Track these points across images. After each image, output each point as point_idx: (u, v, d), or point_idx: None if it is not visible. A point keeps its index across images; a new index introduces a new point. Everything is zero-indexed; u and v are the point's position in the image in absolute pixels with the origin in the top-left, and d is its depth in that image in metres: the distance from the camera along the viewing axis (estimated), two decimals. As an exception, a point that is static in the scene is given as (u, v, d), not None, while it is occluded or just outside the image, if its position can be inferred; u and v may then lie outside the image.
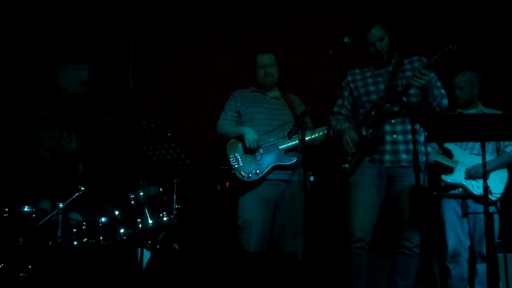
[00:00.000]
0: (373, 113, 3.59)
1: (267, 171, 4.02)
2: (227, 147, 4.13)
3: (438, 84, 3.58)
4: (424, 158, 3.57)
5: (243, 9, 5.50)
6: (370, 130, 3.56)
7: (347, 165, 3.60)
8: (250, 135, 4.06)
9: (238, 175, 4.02)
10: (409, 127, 3.50)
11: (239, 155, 4.08)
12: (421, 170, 3.42)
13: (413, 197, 3.47)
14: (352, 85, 3.77)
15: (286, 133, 4.07)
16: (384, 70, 3.69)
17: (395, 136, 3.55)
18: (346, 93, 3.81)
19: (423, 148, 3.56)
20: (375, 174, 3.58)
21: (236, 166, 4.04)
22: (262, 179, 4.02)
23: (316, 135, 4.06)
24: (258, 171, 4.02)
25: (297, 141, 3.71)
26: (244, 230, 4.02)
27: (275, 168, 4.05)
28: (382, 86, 3.63)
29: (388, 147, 3.56)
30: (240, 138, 4.10)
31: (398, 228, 3.58)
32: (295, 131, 3.60)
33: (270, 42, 5.18)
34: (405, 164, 3.53)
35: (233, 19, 5.53)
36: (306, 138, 3.53)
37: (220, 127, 4.26)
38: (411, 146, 3.44)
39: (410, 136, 3.47)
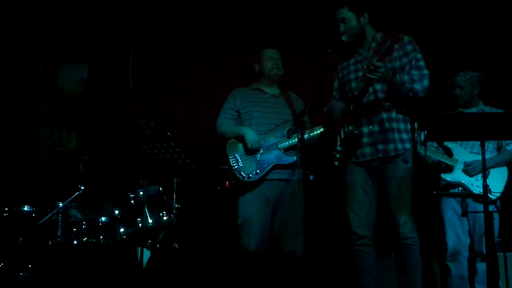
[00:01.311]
0: (351, 107, 3.51)
1: (267, 171, 4.02)
2: (226, 147, 4.12)
3: (420, 64, 3.45)
4: (407, 146, 3.43)
5: (243, 8, 5.50)
6: (350, 127, 3.49)
7: (336, 163, 3.56)
8: (251, 136, 4.05)
9: (239, 176, 4.02)
10: (384, 115, 3.44)
11: (239, 156, 4.08)
12: (406, 160, 3.40)
13: (400, 188, 3.41)
14: (340, 74, 3.67)
15: (286, 132, 4.06)
16: (364, 56, 3.55)
17: (371, 127, 3.47)
18: (335, 81, 3.72)
19: (404, 136, 3.44)
20: (363, 170, 3.53)
21: (236, 166, 4.04)
22: (262, 179, 4.02)
23: (314, 133, 4.05)
24: (258, 171, 4.02)
25: (296, 140, 3.72)
26: (243, 229, 4.02)
27: (275, 167, 4.04)
28: (361, 74, 3.50)
29: (366, 140, 3.49)
30: (240, 138, 4.10)
31: (391, 221, 3.49)
32: (294, 130, 3.59)
33: (270, 40, 5.18)
34: (381, 155, 3.45)
35: (234, 19, 5.53)
36: (305, 137, 3.53)
37: (219, 126, 4.25)
38: (388, 135, 3.43)
39: (386, 125, 3.44)
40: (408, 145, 3.44)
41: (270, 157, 4.05)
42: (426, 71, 3.44)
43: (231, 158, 4.07)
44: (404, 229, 3.40)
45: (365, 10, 3.52)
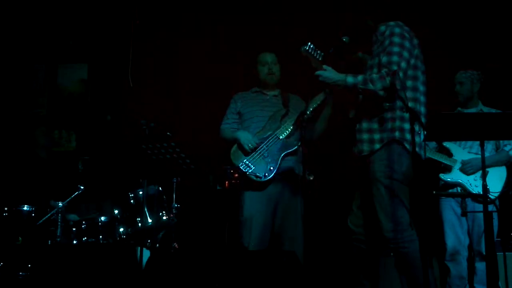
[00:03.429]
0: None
1: (280, 161, 4.02)
2: (231, 158, 4.10)
3: (392, 59, 3.18)
4: (376, 146, 3.26)
5: (244, 8, 5.50)
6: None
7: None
8: (244, 137, 4.07)
9: (255, 178, 4.00)
10: (358, 117, 3.36)
11: (247, 160, 4.06)
12: (371, 161, 3.25)
13: (375, 191, 3.27)
14: None
15: (279, 121, 4.09)
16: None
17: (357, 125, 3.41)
18: None
19: (376, 136, 3.27)
20: (360, 167, 3.44)
21: (249, 171, 4.03)
22: (278, 172, 4.01)
23: (316, 104, 3.98)
24: (271, 167, 4.02)
25: (292, 127, 3.95)
26: (245, 227, 4.03)
27: (286, 155, 4.05)
28: None
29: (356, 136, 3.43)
30: (239, 145, 4.11)
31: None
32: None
33: (271, 41, 5.20)
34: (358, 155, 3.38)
35: (234, 18, 5.53)
36: (310, 109, 3.74)
37: (221, 132, 4.30)
38: (358, 136, 3.34)
39: (357, 125, 3.35)
40: (377, 146, 3.27)
41: (276, 149, 4.05)
42: (393, 67, 3.16)
43: (241, 166, 4.04)
44: (387, 233, 3.23)
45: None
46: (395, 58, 3.19)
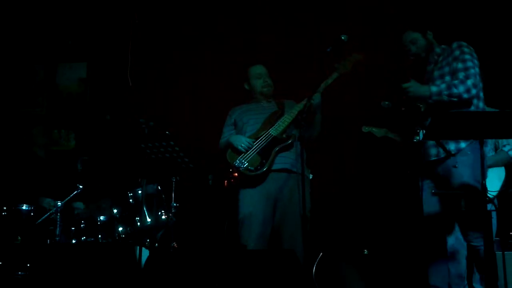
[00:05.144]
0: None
1: (272, 157, 4.03)
2: (227, 158, 4.12)
3: (467, 64, 3.51)
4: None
5: (244, 9, 5.51)
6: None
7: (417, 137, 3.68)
8: (236, 140, 4.10)
9: (249, 172, 4.02)
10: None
11: (242, 158, 4.07)
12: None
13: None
14: None
15: (274, 121, 4.11)
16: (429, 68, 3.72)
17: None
18: None
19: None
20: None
21: (243, 166, 4.04)
22: (270, 167, 4.02)
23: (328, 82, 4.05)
24: (264, 161, 4.02)
25: (287, 123, 3.99)
26: (243, 226, 4.03)
27: (279, 151, 4.06)
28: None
29: None
30: (233, 148, 4.12)
31: None
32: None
33: (269, 40, 5.22)
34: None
35: (233, 18, 5.53)
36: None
37: (219, 147, 4.33)
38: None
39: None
40: (463, 145, 3.50)
41: (269, 145, 4.05)
42: (472, 71, 3.47)
43: (235, 163, 4.05)
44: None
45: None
46: (470, 64, 3.49)
